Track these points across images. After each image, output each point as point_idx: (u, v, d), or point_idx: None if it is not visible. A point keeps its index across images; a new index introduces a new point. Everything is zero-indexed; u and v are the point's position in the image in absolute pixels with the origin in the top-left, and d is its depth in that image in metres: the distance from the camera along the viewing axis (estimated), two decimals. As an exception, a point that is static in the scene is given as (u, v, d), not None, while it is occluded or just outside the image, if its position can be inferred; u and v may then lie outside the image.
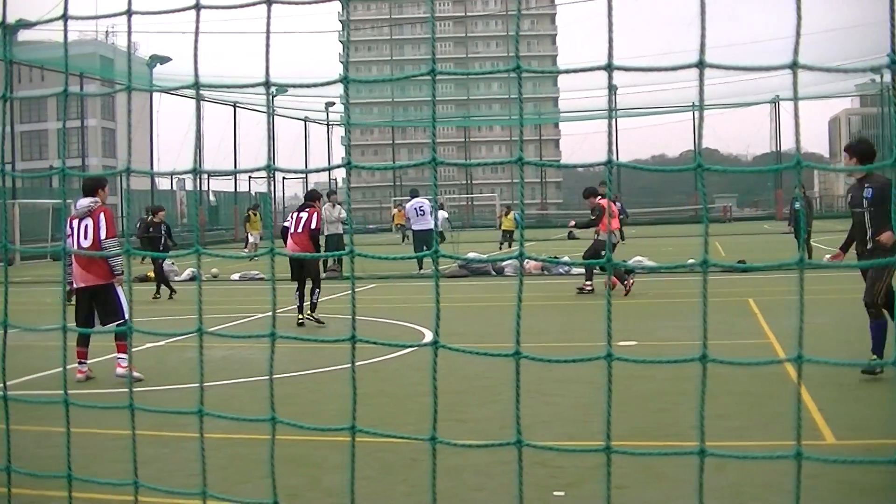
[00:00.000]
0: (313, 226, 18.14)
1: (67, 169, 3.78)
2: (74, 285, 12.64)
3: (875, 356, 10.36)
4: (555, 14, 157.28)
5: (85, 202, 12.52)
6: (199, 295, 3.37)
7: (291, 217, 18.57)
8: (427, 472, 3.24)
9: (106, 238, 12.36)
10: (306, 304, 17.81)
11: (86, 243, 12.30)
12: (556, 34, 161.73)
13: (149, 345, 15.06)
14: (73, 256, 12.30)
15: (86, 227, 12.41)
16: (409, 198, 32.68)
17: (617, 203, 19.59)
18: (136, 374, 12.11)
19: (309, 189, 20.12)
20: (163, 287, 25.19)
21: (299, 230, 18.10)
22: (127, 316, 13.21)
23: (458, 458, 7.85)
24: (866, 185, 11.10)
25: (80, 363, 12.42)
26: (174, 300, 23.97)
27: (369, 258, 3.47)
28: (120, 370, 12.30)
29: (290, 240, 18.30)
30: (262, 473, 7.75)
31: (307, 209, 18.35)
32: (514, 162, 3.18)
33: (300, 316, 17.69)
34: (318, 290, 18.14)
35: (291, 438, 8.16)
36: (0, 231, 3.51)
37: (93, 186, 12.76)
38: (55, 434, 9.26)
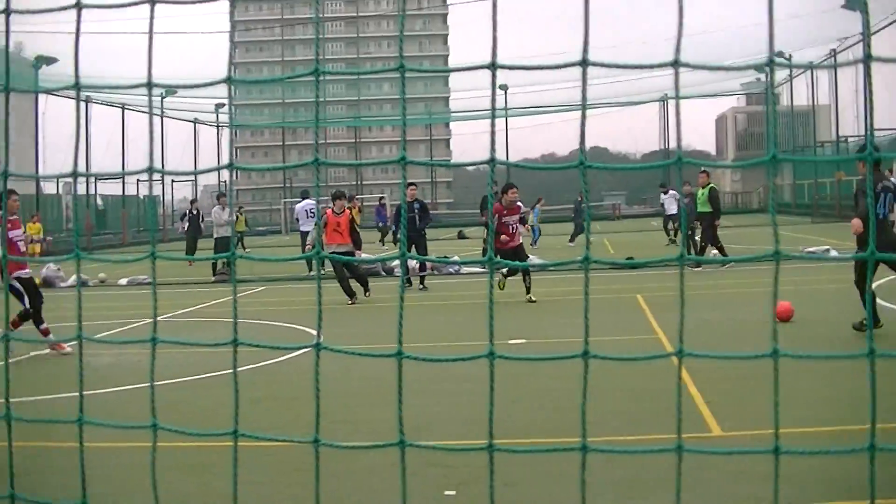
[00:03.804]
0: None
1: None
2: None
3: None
4: (447, 14, 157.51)
5: None
6: (79, 300, 3.31)
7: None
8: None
9: None
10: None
11: None
12: (447, 34, 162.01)
13: (33, 353, 14.79)
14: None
15: None
16: (299, 199, 32.56)
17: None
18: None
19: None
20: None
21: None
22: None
23: (349, 460, 7.83)
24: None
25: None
26: (60, 307, 23.53)
27: (255, 260, 3.43)
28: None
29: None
30: (150, 482, 7.66)
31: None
32: (398, 161, 3.18)
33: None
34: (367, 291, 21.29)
35: (181, 445, 8.07)
36: None
37: None
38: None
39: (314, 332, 15.86)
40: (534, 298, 19.16)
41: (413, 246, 22.29)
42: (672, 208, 39.82)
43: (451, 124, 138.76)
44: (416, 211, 23.42)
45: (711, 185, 26.28)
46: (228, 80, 3.33)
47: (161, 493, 3.49)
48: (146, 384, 11.94)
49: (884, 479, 3.65)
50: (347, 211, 21.12)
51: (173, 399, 10.94)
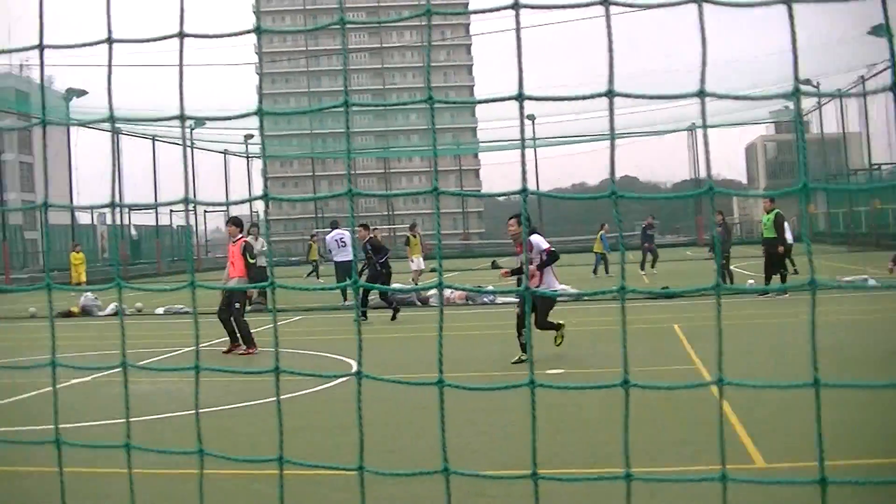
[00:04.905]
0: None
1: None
2: None
3: None
4: (470, 45, 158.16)
5: None
6: (122, 329, 3.31)
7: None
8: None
9: None
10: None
11: None
12: (472, 64, 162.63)
13: (74, 381, 14.82)
14: None
15: None
16: (329, 229, 32.51)
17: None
18: None
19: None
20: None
21: None
22: None
23: (393, 488, 7.79)
24: None
25: None
26: (99, 336, 23.61)
27: (292, 290, 3.41)
28: None
29: None
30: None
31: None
32: (430, 192, 3.17)
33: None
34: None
35: (226, 472, 8.05)
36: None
37: None
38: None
39: (349, 361, 15.92)
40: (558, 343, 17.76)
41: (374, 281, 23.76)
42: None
43: (480, 154, 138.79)
44: (369, 250, 25.02)
45: (777, 210, 26.05)
46: (259, 112, 3.32)
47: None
48: (185, 412, 12.00)
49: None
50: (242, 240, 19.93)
51: (218, 426, 10.93)
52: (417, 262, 36.90)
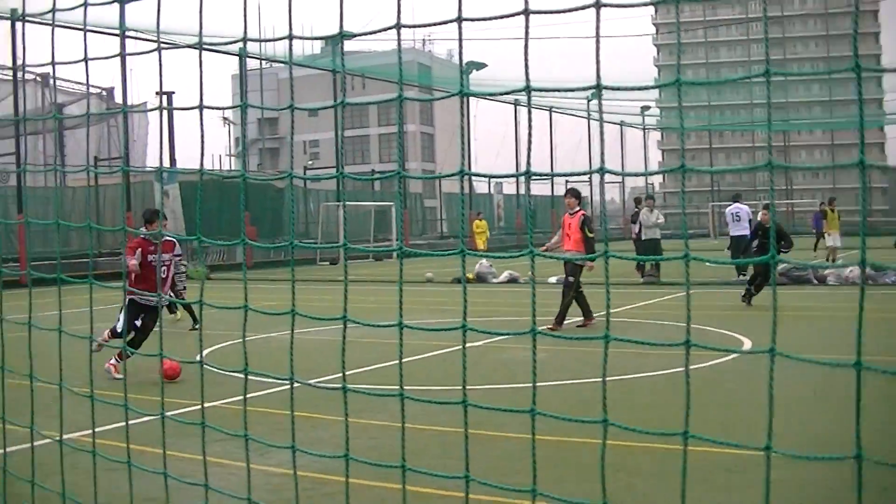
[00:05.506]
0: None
1: (404, 171, 3.85)
2: None
3: None
4: (877, 11, 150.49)
5: None
6: (532, 295, 3.38)
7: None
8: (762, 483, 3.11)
9: None
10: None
11: None
12: (878, 31, 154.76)
13: (482, 342, 15.43)
14: None
15: None
16: (730, 203, 31.91)
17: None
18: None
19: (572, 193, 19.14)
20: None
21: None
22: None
23: (795, 470, 7.61)
24: None
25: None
26: (493, 302, 24.18)
27: (702, 261, 3.36)
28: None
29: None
30: (581, 476, 7.75)
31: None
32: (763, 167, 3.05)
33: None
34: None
35: (610, 443, 8.11)
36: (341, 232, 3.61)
37: None
38: (373, 427, 9.58)
39: (739, 337, 15.63)
40: None
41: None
42: None
43: (886, 127, 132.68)
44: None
45: None
46: (678, 83, 3.28)
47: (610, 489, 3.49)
48: (577, 380, 12.18)
49: None
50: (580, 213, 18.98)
51: (616, 398, 11.00)
52: (834, 237, 35.33)
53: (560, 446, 8.61)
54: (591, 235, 18.13)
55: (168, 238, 13.89)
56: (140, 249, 13.31)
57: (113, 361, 13.29)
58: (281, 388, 11.61)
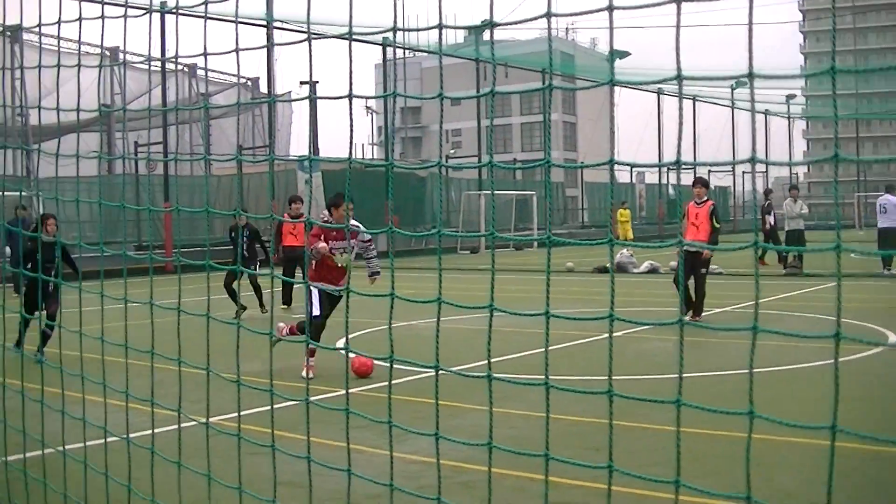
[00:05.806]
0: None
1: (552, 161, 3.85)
2: None
3: None
4: None
5: None
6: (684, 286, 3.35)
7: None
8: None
9: None
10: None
11: None
12: None
13: (622, 332, 15.45)
14: None
15: None
16: (881, 193, 31.10)
17: None
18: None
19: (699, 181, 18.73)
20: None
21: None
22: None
23: None
24: None
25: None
26: (629, 293, 24.01)
27: (852, 252, 3.30)
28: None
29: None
30: (714, 469, 7.67)
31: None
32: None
33: None
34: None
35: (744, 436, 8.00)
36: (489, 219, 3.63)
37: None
38: (513, 416, 9.59)
39: (883, 331, 15.30)
40: None
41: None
42: None
43: None
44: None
45: None
46: (830, 71, 3.22)
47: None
48: (716, 372, 12.05)
49: None
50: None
51: (741, 390, 10.89)
52: None
53: (697, 439, 8.52)
54: (717, 226, 17.87)
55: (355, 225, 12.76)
56: (322, 236, 12.71)
57: (311, 363, 11.78)
58: (419, 375, 11.70)
